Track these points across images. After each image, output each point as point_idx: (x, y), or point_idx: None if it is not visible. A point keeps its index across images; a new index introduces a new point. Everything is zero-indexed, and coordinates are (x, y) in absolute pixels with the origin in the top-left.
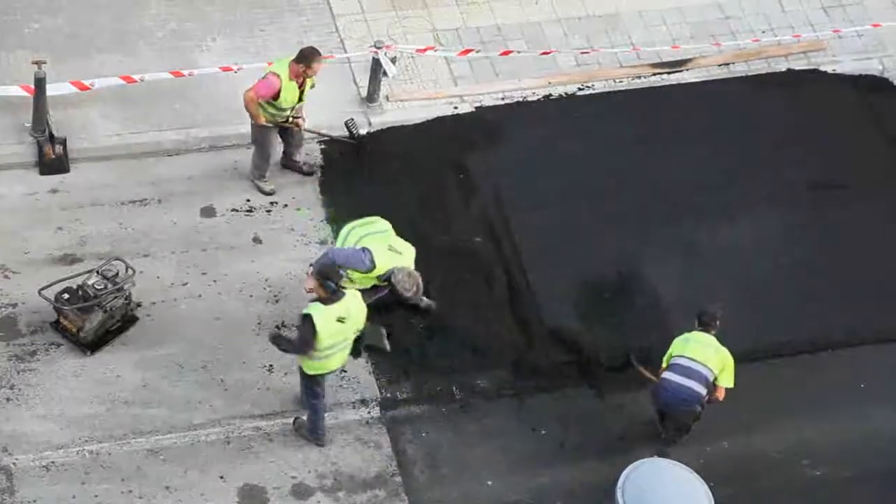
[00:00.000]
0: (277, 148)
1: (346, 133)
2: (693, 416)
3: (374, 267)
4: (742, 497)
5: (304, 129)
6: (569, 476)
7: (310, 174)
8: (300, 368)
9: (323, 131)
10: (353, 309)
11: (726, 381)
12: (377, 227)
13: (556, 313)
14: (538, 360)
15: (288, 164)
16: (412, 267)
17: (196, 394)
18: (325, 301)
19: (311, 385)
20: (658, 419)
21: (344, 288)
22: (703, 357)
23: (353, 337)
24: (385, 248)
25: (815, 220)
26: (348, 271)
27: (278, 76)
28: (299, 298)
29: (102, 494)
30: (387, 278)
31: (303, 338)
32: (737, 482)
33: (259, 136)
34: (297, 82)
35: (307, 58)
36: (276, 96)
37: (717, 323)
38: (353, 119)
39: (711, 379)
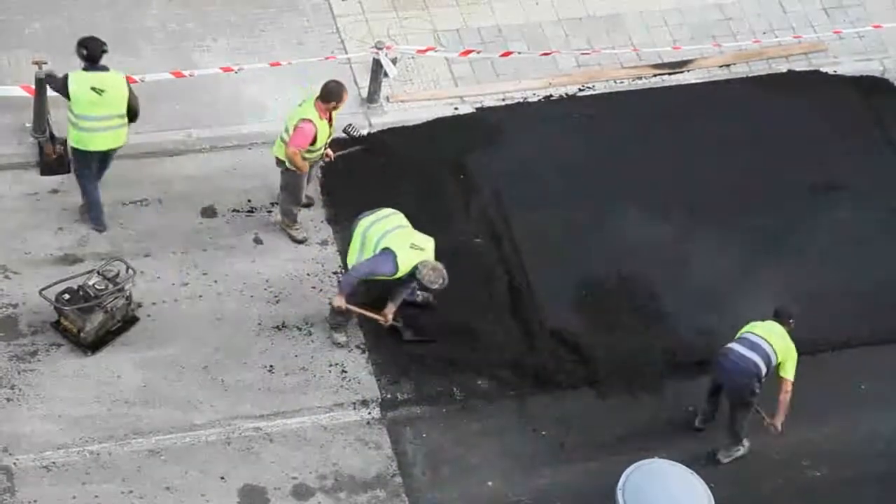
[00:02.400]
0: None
1: (352, 141)
2: (749, 391)
3: (399, 269)
4: (742, 497)
5: (336, 156)
6: (569, 477)
7: (309, 205)
8: (71, 150)
9: (346, 151)
10: (109, 84)
11: (787, 371)
12: (393, 222)
13: (556, 313)
14: (538, 361)
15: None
16: (433, 258)
17: (196, 394)
18: (85, 69)
19: (80, 166)
20: (707, 398)
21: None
22: (768, 337)
23: (116, 122)
24: (407, 246)
25: (815, 220)
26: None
27: (311, 121)
28: (300, 299)
29: (103, 495)
30: (411, 274)
31: (56, 87)
32: (737, 482)
33: (292, 182)
34: (326, 119)
35: (335, 94)
36: (314, 141)
37: (792, 322)
38: (350, 124)
39: (774, 361)
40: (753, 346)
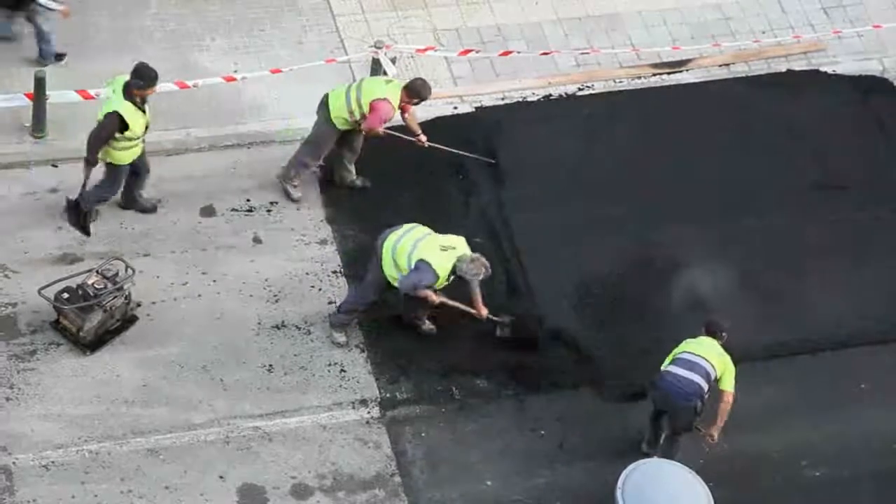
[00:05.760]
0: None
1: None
2: (693, 411)
3: (439, 275)
4: (742, 497)
5: (430, 145)
6: (568, 476)
7: (364, 187)
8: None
9: (451, 148)
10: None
11: (727, 384)
12: (420, 232)
13: (555, 313)
14: (537, 360)
15: (342, 176)
16: (468, 252)
17: (195, 393)
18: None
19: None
20: (650, 422)
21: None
22: (705, 354)
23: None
24: (437, 250)
25: (814, 220)
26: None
27: (391, 103)
28: (299, 298)
29: (102, 494)
30: (453, 273)
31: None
32: (737, 482)
33: (323, 137)
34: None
35: (422, 93)
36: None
37: (724, 334)
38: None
39: (713, 376)
40: (692, 366)
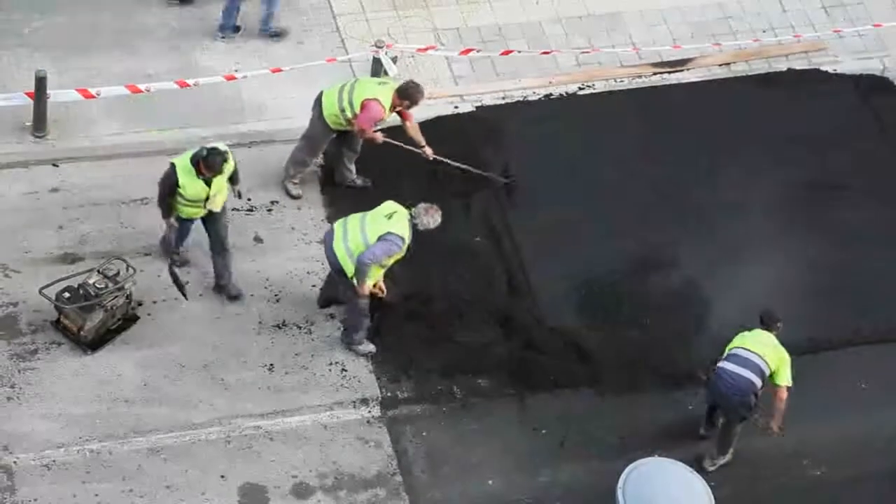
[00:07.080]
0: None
1: (498, 174)
2: (746, 407)
3: (405, 237)
4: (742, 497)
5: (435, 157)
6: (569, 475)
7: (365, 187)
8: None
9: (460, 164)
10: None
11: (783, 378)
12: (356, 222)
13: (556, 313)
14: (538, 360)
15: (342, 175)
16: (410, 208)
17: (197, 393)
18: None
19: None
20: (706, 416)
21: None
22: (759, 350)
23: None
24: (386, 220)
25: (814, 220)
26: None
27: (381, 104)
28: (300, 297)
29: (103, 493)
30: (414, 234)
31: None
32: (737, 482)
33: (317, 136)
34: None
35: (410, 96)
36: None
37: (780, 325)
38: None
39: (767, 372)
40: (745, 363)
